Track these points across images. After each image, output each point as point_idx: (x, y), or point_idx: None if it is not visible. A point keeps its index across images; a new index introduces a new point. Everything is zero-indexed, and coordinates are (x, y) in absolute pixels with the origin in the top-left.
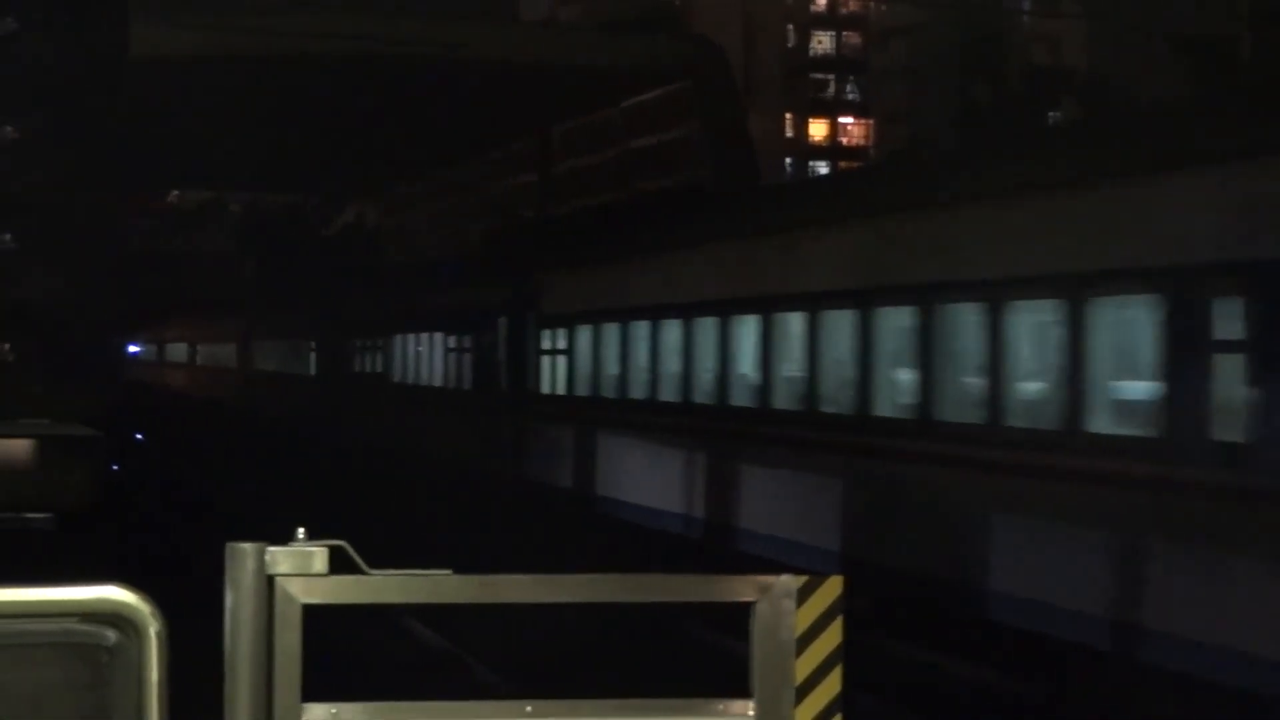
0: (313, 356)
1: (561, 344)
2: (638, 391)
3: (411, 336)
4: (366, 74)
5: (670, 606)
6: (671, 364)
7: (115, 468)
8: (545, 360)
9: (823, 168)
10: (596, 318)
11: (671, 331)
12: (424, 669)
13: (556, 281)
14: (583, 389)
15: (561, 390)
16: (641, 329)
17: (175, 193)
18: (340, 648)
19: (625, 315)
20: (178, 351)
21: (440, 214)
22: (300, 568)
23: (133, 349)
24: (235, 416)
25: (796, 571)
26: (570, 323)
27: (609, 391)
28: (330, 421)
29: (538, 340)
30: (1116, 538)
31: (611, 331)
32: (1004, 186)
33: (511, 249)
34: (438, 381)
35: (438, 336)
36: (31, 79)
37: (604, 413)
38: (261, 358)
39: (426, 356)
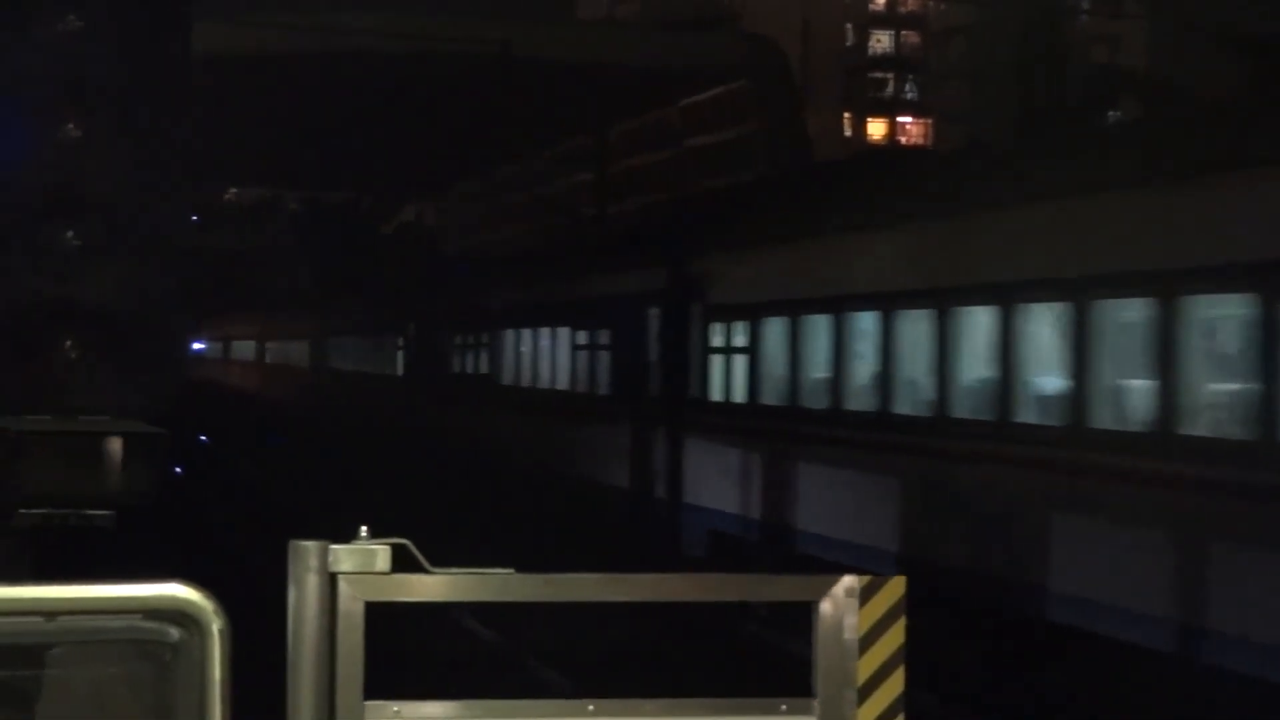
0: (400, 355)
1: (740, 341)
2: (856, 402)
3: (527, 332)
4: (424, 73)
5: (731, 607)
6: (914, 367)
7: (178, 470)
8: (716, 360)
9: None
10: (798, 308)
11: (919, 325)
12: (482, 666)
13: (737, 263)
14: (772, 397)
15: (739, 398)
16: (867, 321)
17: (233, 190)
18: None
19: (846, 304)
20: (245, 349)
21: (503, 211)
22: (363, 565)
23: (198, 346)
24: (309, 418)
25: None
26: (755, 314)
27: (814, 401)
28: (422, 427)
29: (705, 336)
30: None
31: (820, 324)
32: None
33: (665, 226)
34: (562, 384)
35: (562, 332)
36: (95, 78)
37: (802, 426)
38: (338, 355)
39: (547, 355)
